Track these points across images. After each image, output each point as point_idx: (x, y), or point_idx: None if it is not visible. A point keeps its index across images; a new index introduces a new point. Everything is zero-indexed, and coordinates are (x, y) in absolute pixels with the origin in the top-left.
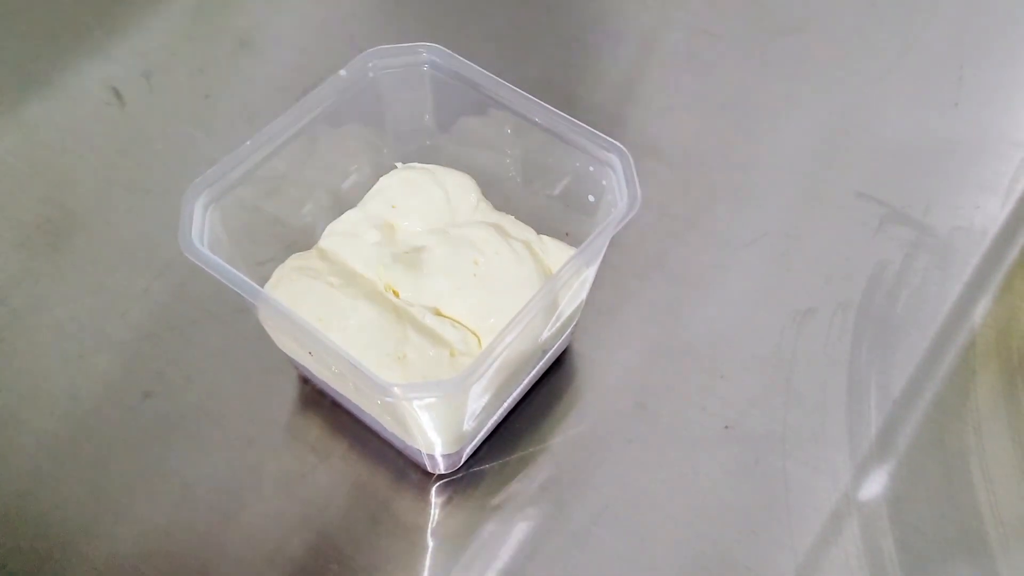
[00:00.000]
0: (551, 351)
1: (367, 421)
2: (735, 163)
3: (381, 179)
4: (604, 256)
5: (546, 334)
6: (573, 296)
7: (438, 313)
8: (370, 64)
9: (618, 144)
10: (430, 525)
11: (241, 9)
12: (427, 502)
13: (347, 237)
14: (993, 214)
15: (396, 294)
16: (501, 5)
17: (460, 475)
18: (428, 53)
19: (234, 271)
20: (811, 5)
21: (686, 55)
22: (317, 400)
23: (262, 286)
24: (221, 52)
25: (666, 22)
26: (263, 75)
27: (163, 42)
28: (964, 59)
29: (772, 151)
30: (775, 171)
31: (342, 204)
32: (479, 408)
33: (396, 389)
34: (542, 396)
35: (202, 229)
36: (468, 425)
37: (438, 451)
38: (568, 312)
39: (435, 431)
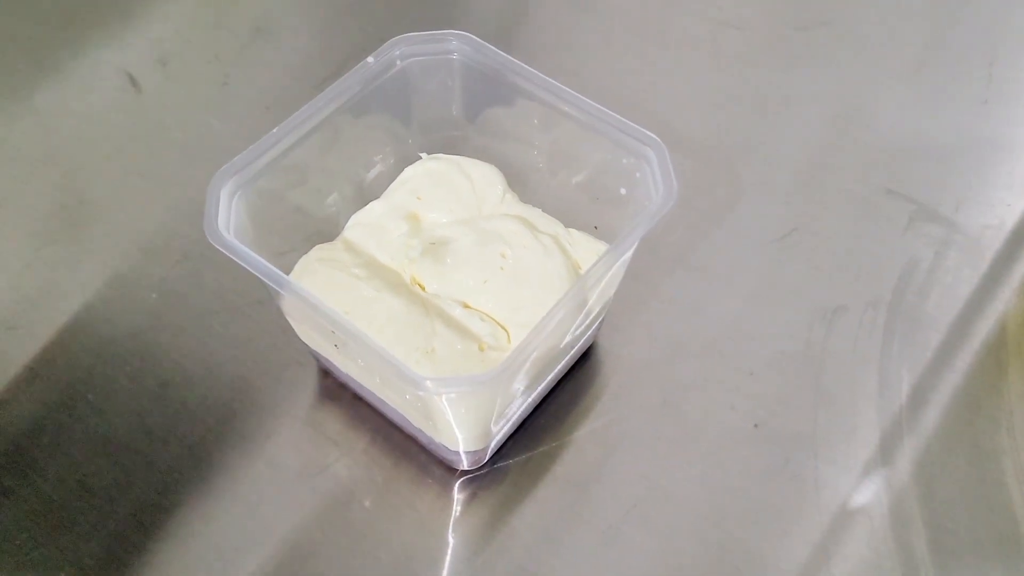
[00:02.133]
0: (577, 346)
1: (390, 415)
2: (761, 157)
3: (406, 170)
4: None
5: (576, 330)
6: (603, 292)
7: (466, 306)
8: (398, 52)
9: (654, 136)
10: (452, 521)
11: None
12: (450, 498)
13: (372, 228)
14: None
15: (422, 287)
16: None
17: (484, 471)
18: (458, 41)
19: (262, 261)
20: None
21: (711, 48)
22: (338, 393)
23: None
24: (237, 39)
25: (691, 14)
26: (280, 62)
27: (179, 28)
28: (993, 56)
29: (799, 146)
30: (802, 166)
31: (366, 195)
32: (508, 404)
33: (429, 383)
34: (567, 391)
35: (228, 217)
36: (496, 422)
37: (464, 447)
38: (597, 308)
39: (463, 427)
